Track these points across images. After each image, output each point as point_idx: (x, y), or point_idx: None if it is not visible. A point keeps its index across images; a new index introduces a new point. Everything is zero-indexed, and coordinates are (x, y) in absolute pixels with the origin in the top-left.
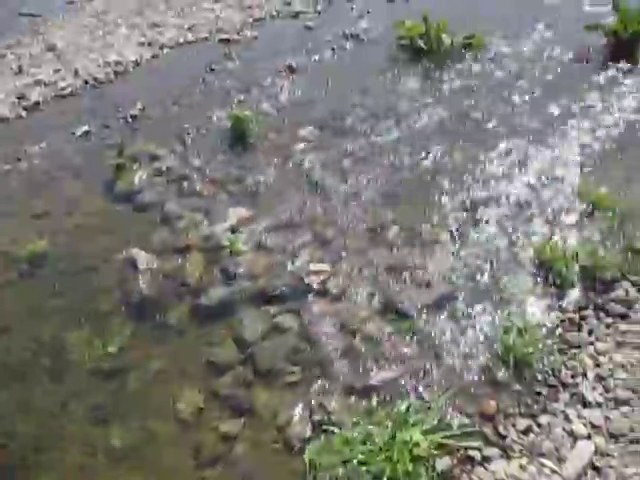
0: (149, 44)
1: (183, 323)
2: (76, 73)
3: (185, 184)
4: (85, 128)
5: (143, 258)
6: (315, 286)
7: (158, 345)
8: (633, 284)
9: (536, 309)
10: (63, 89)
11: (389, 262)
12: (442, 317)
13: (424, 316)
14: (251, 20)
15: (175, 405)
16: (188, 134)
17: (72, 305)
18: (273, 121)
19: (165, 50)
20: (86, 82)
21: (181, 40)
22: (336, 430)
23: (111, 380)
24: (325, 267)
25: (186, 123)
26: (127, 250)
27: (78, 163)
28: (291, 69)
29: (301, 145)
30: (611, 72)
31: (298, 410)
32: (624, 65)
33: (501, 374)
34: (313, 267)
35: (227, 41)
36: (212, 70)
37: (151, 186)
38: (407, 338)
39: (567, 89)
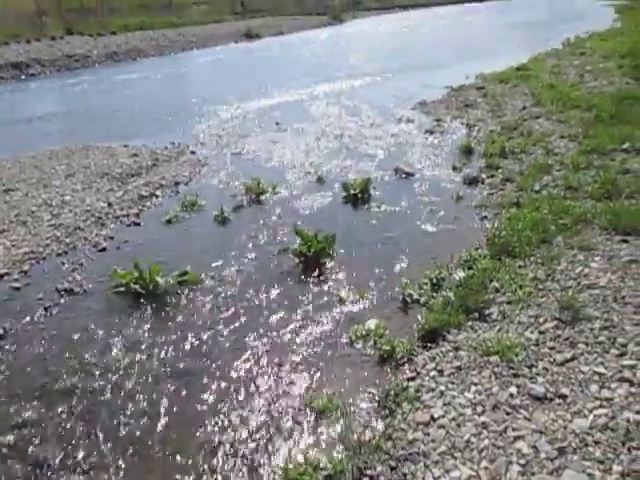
0: None
1: None
2: None
3: None
4: None
5: None
6: None
7: None
8: (370, 478)
9: None
10: None
11: None
12: None
13: None
14: None
15: None
16: None
17: None
18: None
19: None
20: None
21: None
22: None
23: None
24: None
25: None
26: None
27: None
28: None
29: (24, 432)
30: (306, 285)
31: None
32: (314, 278)
33: None
34: None
35: None
36: None
37: None
38: None
39: (273, 307)
